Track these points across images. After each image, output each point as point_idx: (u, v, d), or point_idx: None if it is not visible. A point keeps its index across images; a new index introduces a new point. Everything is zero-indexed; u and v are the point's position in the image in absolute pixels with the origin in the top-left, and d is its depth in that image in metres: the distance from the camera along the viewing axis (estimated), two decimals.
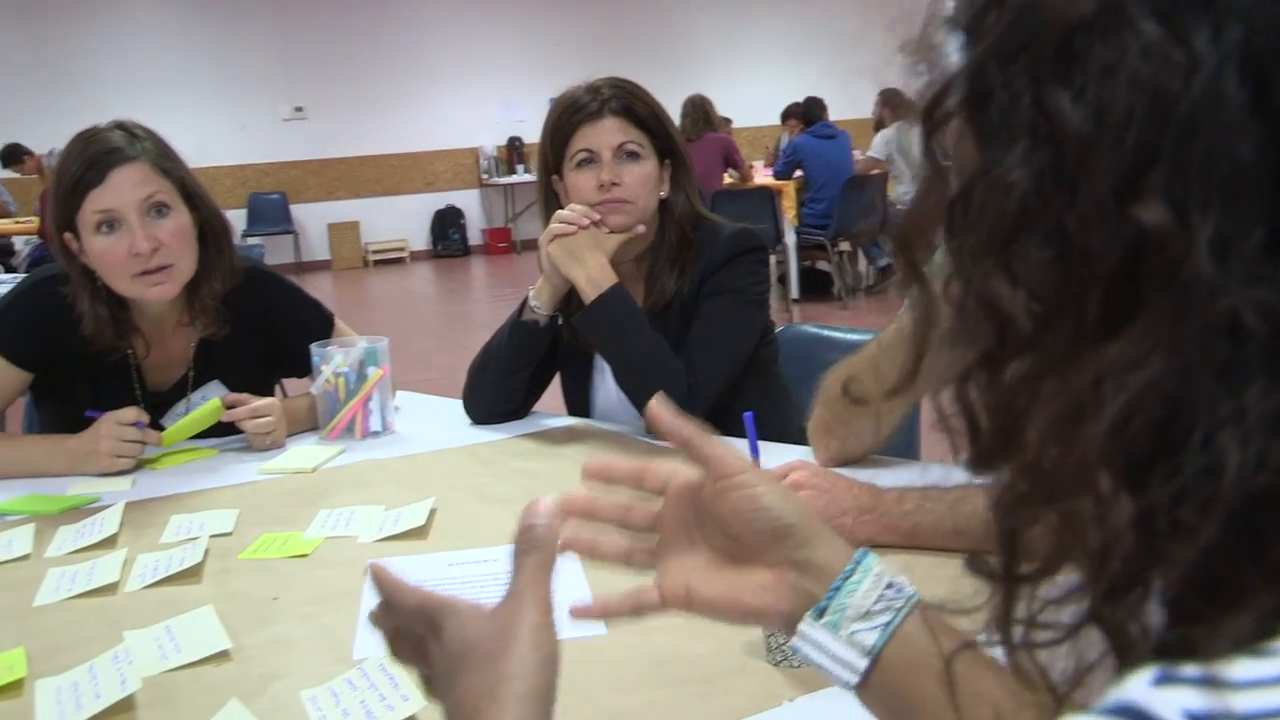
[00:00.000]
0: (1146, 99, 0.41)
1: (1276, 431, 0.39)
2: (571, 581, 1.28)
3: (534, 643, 0.68)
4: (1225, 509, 0.39)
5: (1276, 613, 0.38)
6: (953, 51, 0.49)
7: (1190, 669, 0.35)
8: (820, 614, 0.75)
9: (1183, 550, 0.40)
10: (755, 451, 1.54)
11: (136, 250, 1.91)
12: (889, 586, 0.75)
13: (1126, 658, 0.43)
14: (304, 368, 2.18)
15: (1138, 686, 0.35)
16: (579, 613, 0.81)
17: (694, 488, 0.82)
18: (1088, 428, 0.42)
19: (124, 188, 1.92)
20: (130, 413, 1.96)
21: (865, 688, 0.74)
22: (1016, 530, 0.47)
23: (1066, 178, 0.43)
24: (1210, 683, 0.34)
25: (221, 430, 2.08)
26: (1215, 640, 0.38)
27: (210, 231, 2.06)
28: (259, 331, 2.16)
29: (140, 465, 1.99)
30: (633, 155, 1.99)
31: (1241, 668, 0.35)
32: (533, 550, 0.72)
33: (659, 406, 0.81)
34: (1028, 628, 0.48)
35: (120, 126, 1.99)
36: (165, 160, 1.99)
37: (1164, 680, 0.35)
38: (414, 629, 0.75)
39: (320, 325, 2.24)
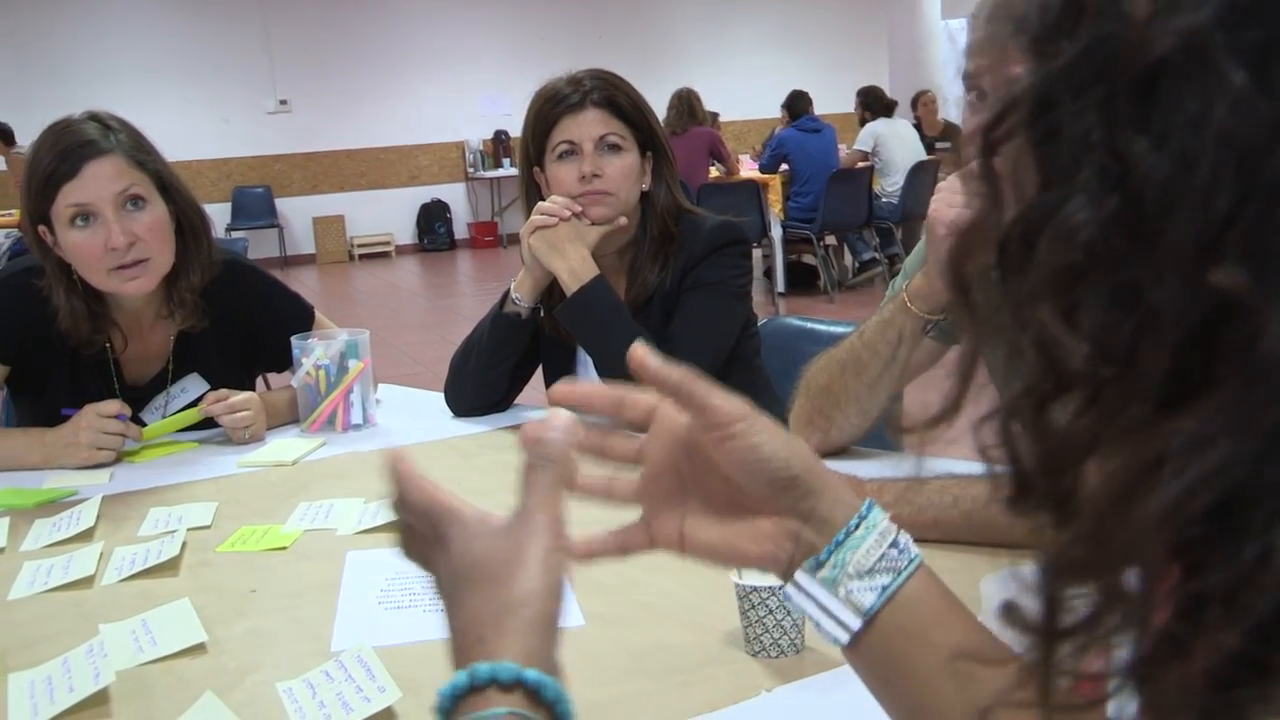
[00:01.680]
0: (1234, 156, 0.39)
1: None
2: None
3: (544, 568, 0.64)
4: (1271, 599, 0.38)
5: None
6: (1015, 63, 0.46)
7: None
8: (818, 567, 0.72)
9: (1226, 632, 0.39)
10: None
11: (112, 245, 1.90)
12: (893, 545, 0.72)
13: (1164, 716, 0.42)
14: (284, 361, 2.16)
15: None
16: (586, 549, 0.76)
17: (683, 427, 0.76)
18: (1148, 505, 0.40)
19: (99, 181, 1.90)
20: (112, 405, 1.95)
21: (855, 648, 0.72)
22: (1061, 593, 0.45)
23: (1141, 230, 0.40)
24: None
25: (201, 423, 2.07)
26: (1259, 705, 0.37)
27: (187, 224, 2.04)
28: (238, 324, 2.15)
29: (118, 459, 1.97)
30: (614, 147, 1.98)
31: None
32: (546, 466, 0.68)
33: (643, 352, 0.73)
34: (1065, 677, 0.46)
35: (94, 118, 1.97)
36: (140, 152, 1.97)
37: None
38: (423, 530, 0.70)
39: (300, 318, 2.22)
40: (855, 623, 0.70)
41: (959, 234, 0.48)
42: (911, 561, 0.72)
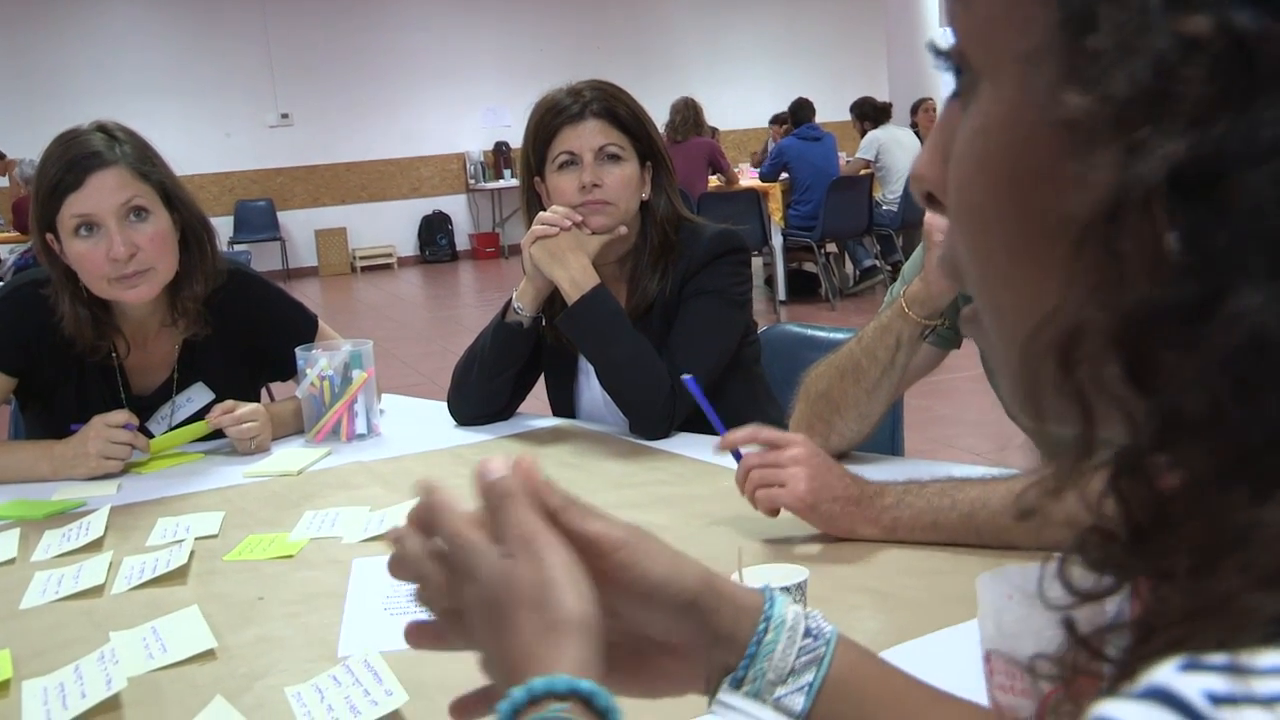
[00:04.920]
0: None
1: None
2: None
3: (573, 582, 0.64)
4: None
5: None
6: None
7: (1215, 657, 0.36)
8: (739, 683, 0.70)
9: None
10: (712, 413, 1.56)
11: (114, 255, 1.92)
12: (806, 635, 0.70)
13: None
14: (288, 370, 2.18)
15: (1165, 672, 0.36)
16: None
17: None
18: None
19: (102, 193, 1.93)
20: (120, 415, 1.97)
21: None
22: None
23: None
24: (1234, 669, 0.35)
25: (208, 434, 2.09)
26: (1241, 633, 0.38)
27: (192, 234, 2.06)
28: (242, 333, 2.17)
29: (126, 470, 1.99)
30: (614, 157, 2.00)
31: (1266, 657, 0.36)
32: (508, 500, 0.67)
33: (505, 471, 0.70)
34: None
35: (101, 128, 1.99)
36: (145, 164, 1.99)
37: (1190, 667, 0.36)
38: (449, 563, 0.69)
39: (304, 327, 2.24)
40: None
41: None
42: (829, 643, 0.71)
